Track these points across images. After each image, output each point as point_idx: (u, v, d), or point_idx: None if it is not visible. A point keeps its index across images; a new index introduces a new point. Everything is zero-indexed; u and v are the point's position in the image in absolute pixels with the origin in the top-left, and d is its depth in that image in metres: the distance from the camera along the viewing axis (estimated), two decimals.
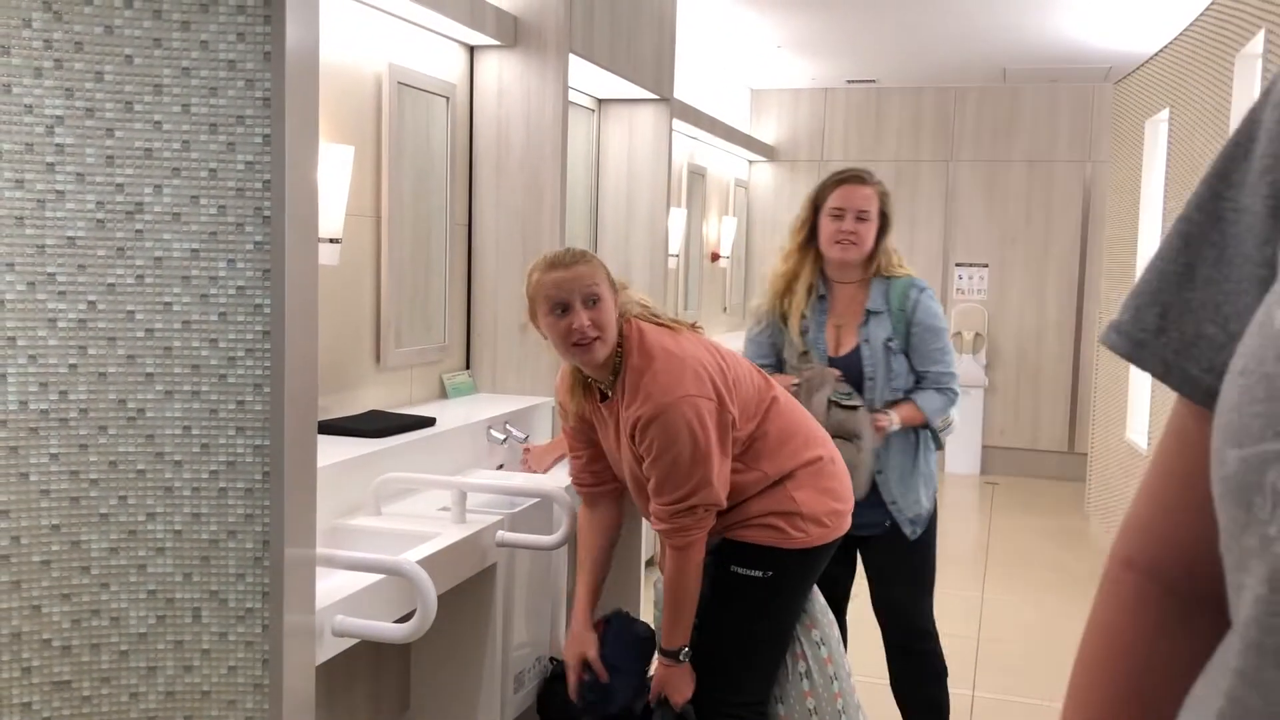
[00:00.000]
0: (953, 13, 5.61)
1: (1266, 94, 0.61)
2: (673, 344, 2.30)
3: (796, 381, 2.76)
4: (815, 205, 2.88)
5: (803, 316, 2.84)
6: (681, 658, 2.37)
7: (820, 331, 2.84)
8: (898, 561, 2.90)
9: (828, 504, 2.40)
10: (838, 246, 2.82)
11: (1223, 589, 0.62)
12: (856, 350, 2.82)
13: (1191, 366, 0.62)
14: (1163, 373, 0.63)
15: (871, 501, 2.78)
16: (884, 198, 2.88)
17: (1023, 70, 7.12)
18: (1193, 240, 0.63)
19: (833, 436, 2.61)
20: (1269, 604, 0.46)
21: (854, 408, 2.73)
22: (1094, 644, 0.71)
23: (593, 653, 2.47)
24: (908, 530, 2.85)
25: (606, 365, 2.28)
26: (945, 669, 2.97)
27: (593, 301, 2.23)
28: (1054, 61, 6.76)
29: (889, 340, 2.82)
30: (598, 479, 2.52)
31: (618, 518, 2.58)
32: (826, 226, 2.84)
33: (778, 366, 2.90)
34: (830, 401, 2.72)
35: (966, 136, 7.75)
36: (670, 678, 2.39)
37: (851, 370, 2.81)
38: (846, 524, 2.46)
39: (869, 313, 2.83)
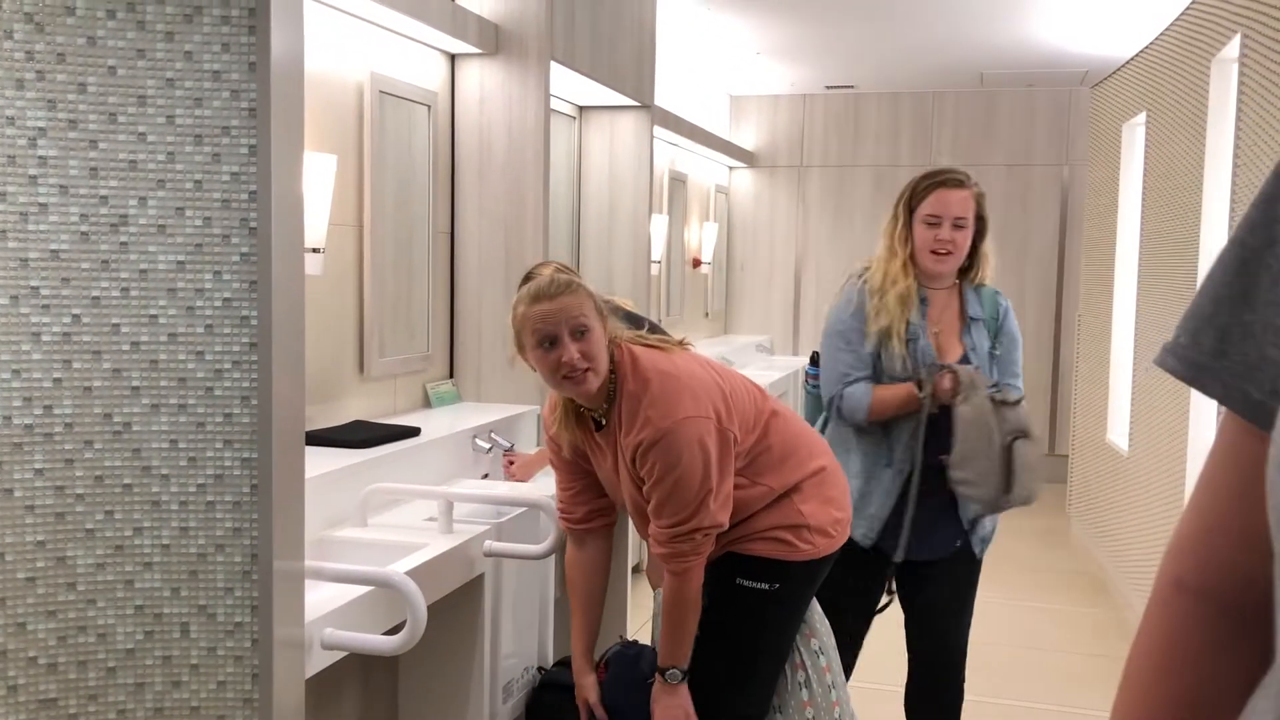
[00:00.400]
0: (929, 19, 5.64)
1: None
2: (667, 364, 2.25)
3: (921, 394, 2.59)
4: (909, 209, 2.70)
5: (909, 324, 2.65)
6: (669, 678, 2.31)
7: (925, 339, 2.67)
8: (959, 584, 2.79)
9: (832, 514, 2.38)
10: (934, 257, 2.66)
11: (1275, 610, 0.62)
12: (965, 358, 2.69)
13: (1254, 390, 0.61)
14: (1223, 396, 0.63)
15: (947, 522, 2.69)
16: (980, 199, 2.71)
17: (999, 75, 7.16)
18: (1249, 263, 0.63)
19: (1014, 438, 2.52)
20: None
21: (1018, 402, 2.59)
22: (1143, 665, 0.71)
23: (593, 696, 2.43)
24: (978, 549, 2.75)
25: (600, 394, 2.23)
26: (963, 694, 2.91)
27: (580, 333, 2.17)
28: (1030, 66, 6.80)
29: (992, 349, 2.71)
30: (588, 515, 2.46)
31: (607, 555, 2.52)
32: (921, 234, 2.66)
33: (874, 378, 2.69)
34: (995, 401, 2.56)
35: (945, 141, 7.79)
36: (659, 696, 2.33)
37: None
38: (848, 532, 2.44)
39: (970, 319, 2.72)
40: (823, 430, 2.78)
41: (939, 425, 2.62)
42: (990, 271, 2.75)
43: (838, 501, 2.41)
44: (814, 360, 2.89)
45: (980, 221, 2.70)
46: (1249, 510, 0.63)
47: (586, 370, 2.17)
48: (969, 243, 2.69)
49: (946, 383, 2.59)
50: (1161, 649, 0.69)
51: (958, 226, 2.65)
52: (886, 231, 2.73)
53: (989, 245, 2.73)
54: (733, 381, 2.34)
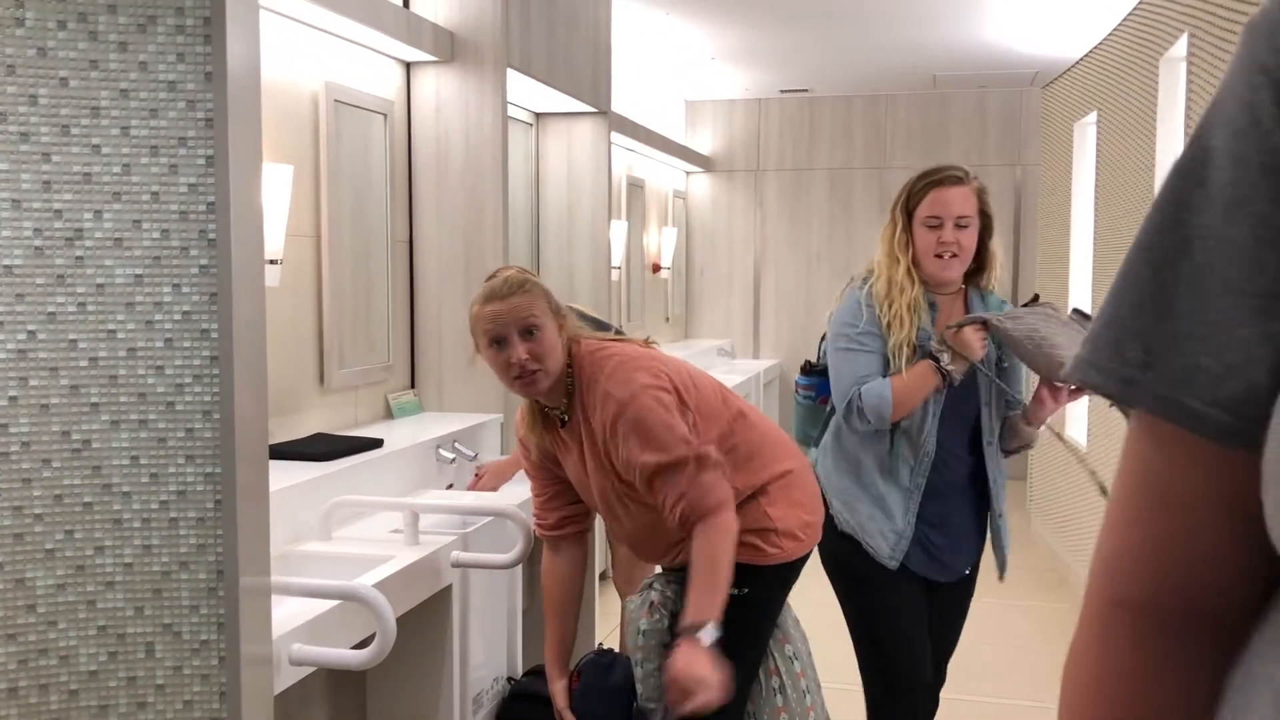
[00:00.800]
0: (882, 22, 5.68)
1: (1209, 119, 0.60)
2: (627, 350, 2.28)
3: (943, 364, 2.43)
4: (908, 212, 2.52)
5: (919, 330, 2.49)
6: (705, 635, 2.05)
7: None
8: (956, 611, 2.71)
9: (800, 517, 2.36)
10: (938, 262, 2.48)
11: (1222, 622, 0.61)
12: (970, 368, 2.50)
13: (1192, 401, 0.59)
14: (1161, 410, 0.60)
15: (973, 540, 2.63)
16: (982, 194, 2.52)
17: (951, 76, 7.24)
18: (1162, 269, 0.60)
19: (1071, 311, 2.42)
20: None
21: (1033, 299, 2.50)
22: (1088, 687, 0.67)
23: (561, 702, 2.41)
24: (978, 571, 2.68)
25: (558, 391, 2.24)
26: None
27: (530, 332, 2.18)
28: (982, 67, 6.88)
29: (1000, 361, 2.56)
30: (561, 521, 2.45)
31: (582, 563, 2.51)
32: (923, 238, 2.49)
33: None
34: (1022, 306, 2.45)
35: (898, 143, 7.86)
36: (686, 648, 2.06)
37: (967, 390, 2.52)
38: (818, 535, 2.42)
39: None
40: (818, 440, 2.67)
41: (948, 419, 2.52)
42: (1000, 272, 2.59)
43: (806, 505, 2.40)
44: (804, 369, 2.74)
45: (985, 218, 2.53)
46: (1192, 523, 0.62)
47: (536, 371, 2.19)
48: (975, 243, 2.52)
49: (968, 335, 2.43)
50: (1107, 670, 0.67)
51: (960, 226, 2.48)
52: (885, 237, 2.56)
53: (997, 244, 2.58)
54: (697, 378, 2.36)
